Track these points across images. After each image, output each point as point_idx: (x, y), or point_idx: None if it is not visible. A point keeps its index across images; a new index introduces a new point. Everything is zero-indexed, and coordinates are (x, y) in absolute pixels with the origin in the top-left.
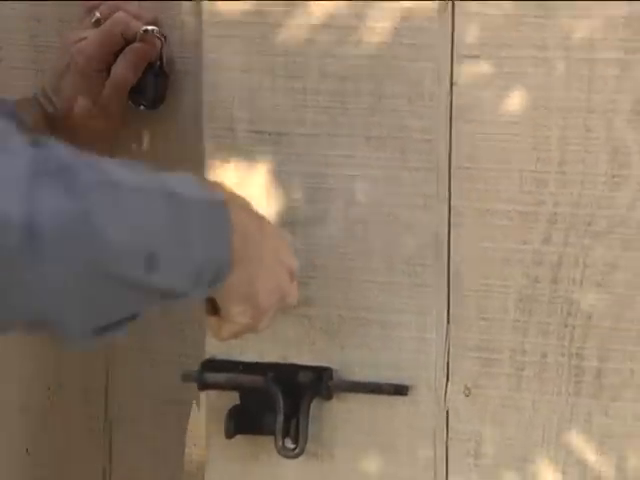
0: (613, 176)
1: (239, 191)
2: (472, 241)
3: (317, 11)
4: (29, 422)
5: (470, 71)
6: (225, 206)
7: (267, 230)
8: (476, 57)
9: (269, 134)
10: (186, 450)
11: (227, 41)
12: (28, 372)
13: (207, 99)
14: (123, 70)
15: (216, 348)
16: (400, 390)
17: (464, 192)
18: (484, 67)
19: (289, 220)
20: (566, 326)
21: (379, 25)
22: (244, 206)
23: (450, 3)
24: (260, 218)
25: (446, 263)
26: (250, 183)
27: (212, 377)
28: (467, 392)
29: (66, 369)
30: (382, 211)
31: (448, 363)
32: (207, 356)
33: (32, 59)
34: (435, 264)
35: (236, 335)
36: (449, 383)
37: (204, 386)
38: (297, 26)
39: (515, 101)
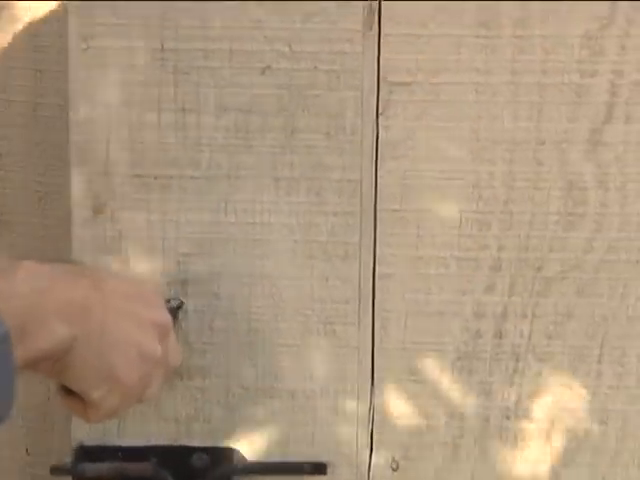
0: (567, 214)
1: (118, 247)
2: (402, 294)
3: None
4: (29, 422)
5: (400, 100)
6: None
7: (118, 293)
8: (407, 84)
9: (155, 178)
10: None
11: (100, 70)
12: (28, 372)
13: (74, 139)
14: None
15: (85, 432)
16: (318, 469)
17: (393, 238)
18: (417, 95)
19: (180, 278)
20: (512, 385)
21: (290, 48)
22: (84, 274)
23: (376, 23)
24: (105, 281)
25: (370, 320)
26: (132, 236)
27: (89, 468)
28: (395, 466)
29: None
30: (295, 263)
31: (372, 434)
32: (74, 443)
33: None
34: (358, 322)
35: (108, 417)
36: (373, 457)
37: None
38: (187, 50)
39: (453, 133)
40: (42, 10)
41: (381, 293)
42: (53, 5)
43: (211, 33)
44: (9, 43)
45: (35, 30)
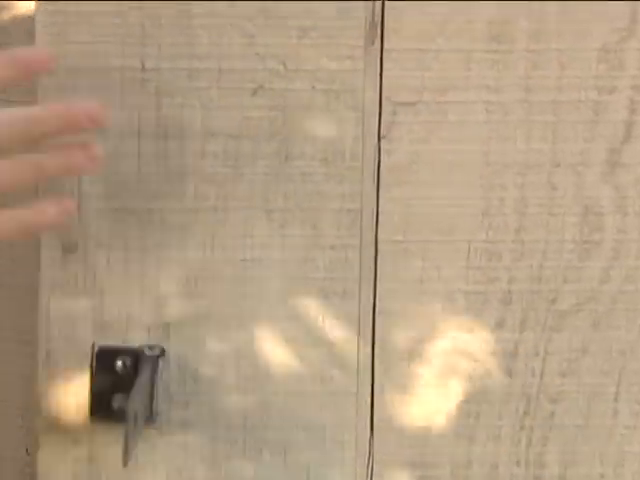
0: (583, 242)
1: (92, 290)
2: (404, 332)
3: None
4: (29, 422)
5: (404, 121)
6: None
7: None
8: (412, 104)
9: (133, 212)
10: None
11: (72, 93)
12: (28, 372)
13: None
14: None
15: None
16: None
17: (395, 272)
18: (422, 116)
19: (161, 322)
20: (522, 428)
21: (284, 66)
22: None
23: (379, 37)
24: None
25: (370, 362)
26: (108, 277)
27: None
28: None
29: None
30: (288, 304)
31: None
32: None
33: None
34: (356, 365)
35: None
36: None
37: None
38: (171, 69)
39: (462, 157)
40: None
41: (381, 331)
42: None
43: (197, 50)
44: (9, 43)
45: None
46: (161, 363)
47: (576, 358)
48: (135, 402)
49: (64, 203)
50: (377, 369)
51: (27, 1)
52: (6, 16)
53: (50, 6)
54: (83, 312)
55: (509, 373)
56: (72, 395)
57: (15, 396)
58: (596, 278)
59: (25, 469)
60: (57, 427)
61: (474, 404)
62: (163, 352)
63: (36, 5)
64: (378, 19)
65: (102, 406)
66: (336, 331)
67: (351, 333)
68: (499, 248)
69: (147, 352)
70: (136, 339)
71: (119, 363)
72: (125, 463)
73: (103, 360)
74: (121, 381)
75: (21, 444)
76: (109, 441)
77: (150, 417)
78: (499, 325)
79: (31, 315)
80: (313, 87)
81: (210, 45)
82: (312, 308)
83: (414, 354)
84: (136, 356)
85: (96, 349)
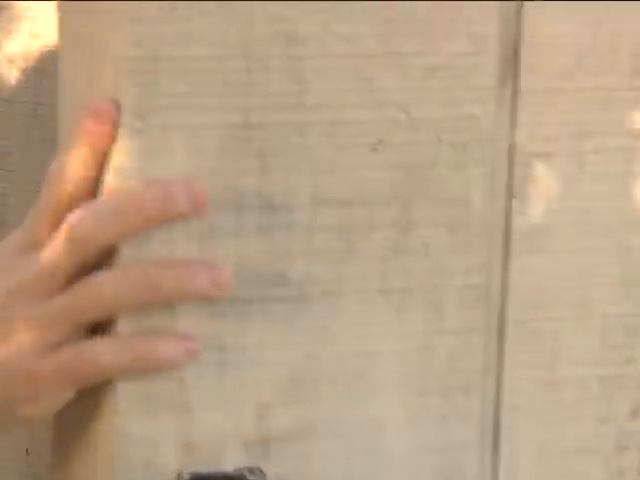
0: None
1: (181, 400)
2: (532, 426)
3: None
4: None
5: (539, 176)
6: None
7: None
8: (548, 155)
9: (230, 302)
10: None
11: (160, 158)
12: None
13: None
14: None
15: None
16: None
17: (523, 357)
18: (560, 168)
19: (260, 436)
20: None
21: (407, 114)
22: None
23: (512, 75)
24: None
25: (490, 460)
26: (198, 385)
27: None
28: None
29: None
30: (407, 401)
31: None
32: None
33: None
34: (477, 465)
35: None
36: None
37: None
38: (278, 125)
39: (602, 218)
40: (42, 10)
41: (507, 427)
42: (53, 5)
43: (308, 99)
44: (9, 43)
45: (35, 30)
46: None
47: None
48: None
49: (190, 340)
50: (502, 468)
51: (27, 1)
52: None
53: (136, 50)
54: (166, 432)
55: None
56: None
57: None
58: None
59: (25, 469)
60: None
61: None
62: (263, 475)
63: (114, 48)
64: (511, 52)
65: None
66: (455, 431)
67: (473, 431)
68: (637, 323)
69: (249, 477)
70: (230, 460)
71: None
72: None
73: None
74: None
75: (21, 444)
76: None
77: None
78: (634, 414)
79: None
80: (438, 139)
81: (322, 92)
82: (432, 405)
83: (544, 451)
84: None
85: (185, 478)
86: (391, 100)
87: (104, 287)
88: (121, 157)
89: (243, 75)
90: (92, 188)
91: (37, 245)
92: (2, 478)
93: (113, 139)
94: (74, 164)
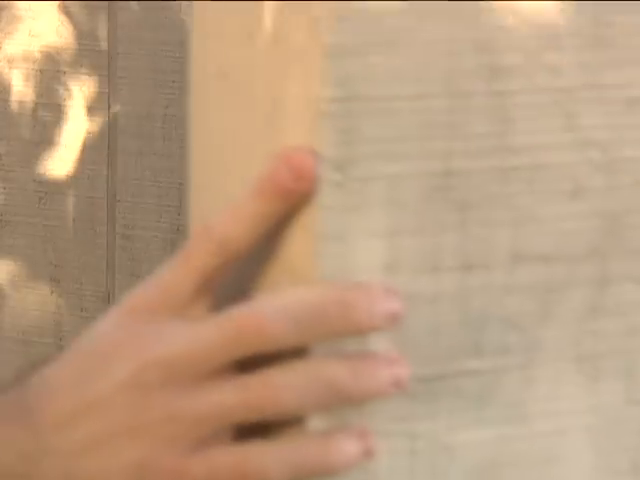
0: None
1: None
2: None
3: None
4: None
5: None
6: None
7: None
8: None
9: (421, 380)
10: None
11: (356, 217)
12: None
13: None
14: None
15: None
16: None
17: None
18: None
19: None
20: None
21: (606, 154)
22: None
23: None
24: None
25: None
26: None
27: None
28: None
29: None
30: None
31: None
32: None
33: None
34: None
35: None
36: None
37: None
38: (480, 171)
39: None
40: (42, 10)
41: None
42: (53, 5)
43: (512, 141)
44: (9, 43)
45: (35, 30)
46: None
47: None
48: None
49: (367, 438)
50: None
51: (27, 1)
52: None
53: (339, 89)
54: None
55: None
56: None
57: None
58: None
59: None
60: None
61: None
62: None
63: (309, 86)
64: None
65: None
66: None
67: None
68: None
69: None
70: None
71: None
72: None
73: None
74: None
75: None
76: None
77: None
78: None
79: None
80: (638, 182)
81: (526, 132)
82: None
83: None
84: None
85: None
86: (591, 139)
87: (284, 391)
88: (312, 215)
89: (445, 115)
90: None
91: (176, 308)
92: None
93: (307, 197)
94: (246, 219)
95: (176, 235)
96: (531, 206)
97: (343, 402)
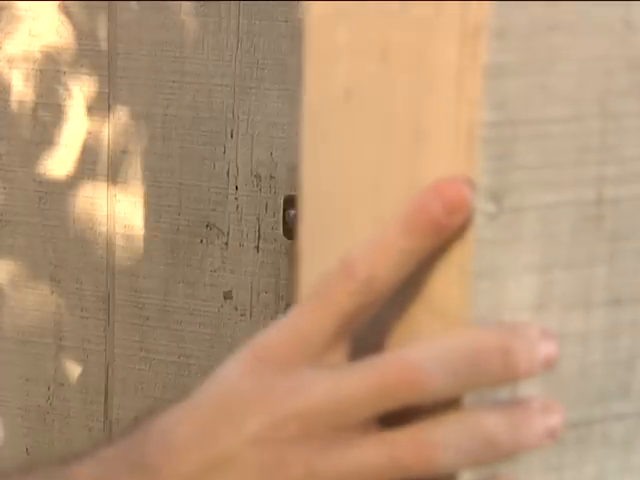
0: None
1: None
2: None
3: None
4: (29, 422)
5: None
6: None
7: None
8: None
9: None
10: None
11: (509, 251)
12: (28, 372)
13: None
14: None
15: None
16: None
17: None
18: None
19: None
20: None
21: None
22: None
23: None
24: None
25: None
26: None
27: None
28: None
29: (66, 369)
30: None
31: None
32: None
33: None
34: None
35: None
36: None
37: None
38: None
39: None
40: (42, 10)
41: None
42: (53, 5)
43: None
44: (9, 43)
45: (35, 30)
46: None
47: None
48: None
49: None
50: None
51: (27, 1)
52: None
53: (497, 114)
54: None
55: None
56: None
57: (15, 396)
58: None
59: None
60: None
61: None
62: None
63: (466, 109)
64: None
65: None
66: None
67: None
68: None
69: None
70: None
71: None
72: None
73: None
74: None
75: (21, 444)
76: None
77: None
78: None
79: None
80: None
81: None
82: None
83: None
84: None
85: None
86: None
87: (436, 449)
88: (465, 251)
89: (598, 138)
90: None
91: (313, 355)
92: None
93: (460, 232)
94: (394, 256)
95: (176, 235)
96: None
97: (498, 458)
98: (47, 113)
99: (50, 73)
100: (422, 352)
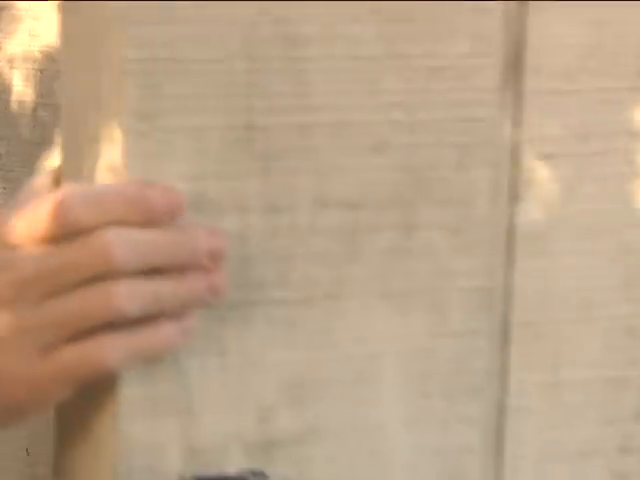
0: None
1: (184, 406)
2: (535, 429)
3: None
4: (29, 422)
5: (543, 178)
6: None
7: None
8: (551, 157)
9: (231, 306)
10: None
11: (162, 162)
12: None
13: None
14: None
15: None
16: None
17: (527, 360)
18: (563, 170)
19: (262, 439)
20: None
21: (410, 116)
22: None
23: (513, 77)
24: None
25: (493, 463)
26: (201, 386)
27: None
28: None
29: None
30: (410, 404)
31: None
32: None
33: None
34: (481, 468)
35: None
36: None
37: None
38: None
39: (605, 219)
40: (42, 10)
41: (511, 434)
42: (53, 5)
43: (311, 101)
44: (9, 43)
45: (35, 30)
46: None
47: None
48: None
49: (189, 319)
50: (507, 469)
51: (27, 1)
52: None
53: (139, 52)
54: (169, 436)
55: None
56: None
57: None
58: None
59: (25, 469)
60: None
61: None
62: (265, 478)
63: (117, 50)
64: (514, 55)
65: None
66: (460, 437)
67: (478, 438)
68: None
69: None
70: (233, 464)
71: None
72: None
73: None
74: None
75: (21, 444)
76: None
77: None
78: (639, 415)
79: None
80: (441, 141)
81: (325, 94)
82: (434, 411)
83: (547, 452)
84: None
85: None
86: (394, 102)
87: (114, 297)
88: (123, 159)
89: (245, 76)
90: None
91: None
92: (2, 478)
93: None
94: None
95: None
96: (334, 159)
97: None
98: (47, 113)
99: (50, 73)
100: (72, 192)
